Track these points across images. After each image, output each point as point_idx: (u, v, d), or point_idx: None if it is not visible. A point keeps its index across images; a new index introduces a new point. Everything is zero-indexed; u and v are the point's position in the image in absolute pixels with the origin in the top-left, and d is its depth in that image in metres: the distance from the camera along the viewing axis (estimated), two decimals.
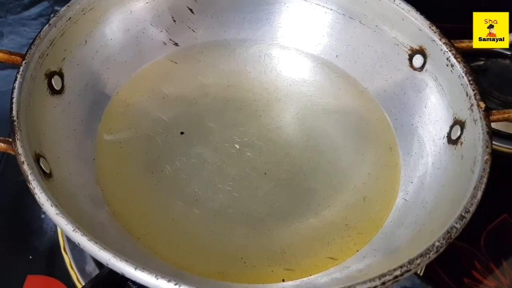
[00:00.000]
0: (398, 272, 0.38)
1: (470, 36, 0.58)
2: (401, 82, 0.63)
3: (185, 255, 0.50)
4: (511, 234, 0.67)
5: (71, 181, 0.51)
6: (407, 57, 0.62)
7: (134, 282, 0.54)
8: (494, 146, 0.48)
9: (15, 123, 0.45)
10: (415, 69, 0.61)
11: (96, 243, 0.38)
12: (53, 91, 0.54)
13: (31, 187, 0.42)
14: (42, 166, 0.46)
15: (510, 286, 0.63)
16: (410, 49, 0.61)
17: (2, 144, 0.45)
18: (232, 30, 0.70)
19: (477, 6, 0.60)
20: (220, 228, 0.53)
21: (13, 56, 0.51)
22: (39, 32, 0.53)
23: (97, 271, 0.57)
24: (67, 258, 0.59)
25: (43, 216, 0.65)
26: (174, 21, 0.68)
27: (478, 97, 0.52)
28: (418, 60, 0.60)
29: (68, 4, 0.57)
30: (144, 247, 0.50)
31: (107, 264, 0.38)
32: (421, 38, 0.59)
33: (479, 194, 0.44)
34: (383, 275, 0.38)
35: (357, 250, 0.51)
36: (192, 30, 0.69)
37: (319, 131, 0.62)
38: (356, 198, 0.56)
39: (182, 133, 0.60)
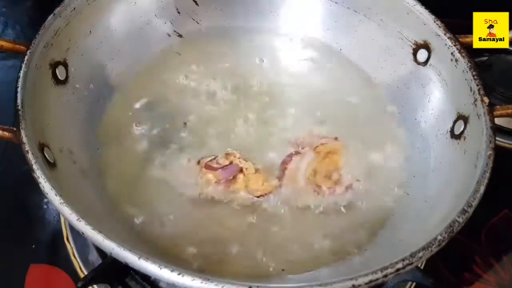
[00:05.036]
0: (400, 265, 0.38)
1: None
2: (405, 76, 0.63)
3: (188, 245, 0.50)
4: None
5: (75, 171, 0.51)
6: (412, 51, 0.62)
7: (136, 272, 0.55)
8: (496, 142, 0.48)
9: (19, 112, 0.45)
10: (419, 63, 0.61)
11: (100, 232, 0.38)
12: (58, 81, 0.54)
13: (36, 176, 0.42)
14: (46, 156, 0.46)
15: (510, 281, 0.63)
16: (414, 44, 0.61)
17: (7, 133, 0.46)
18: (237, 22, 0.70)
19: (480, 2, 0.60)
20: (223, 219, 0.53)
21: (17, 46, 0.52)
22: (44, 22, 0.53)
23: (100, 261, 0.57)
24: (70, 248, 0.59)
25: (46, 206, 0.66)
26: (179, 12, 0.68)
27: (482, 92, 0.52)
28: (422, 54, 0.60)
29: None
30: (148, 237, 0.50)
31: (111, 254, 0.38)
32: (425, 32, 0.59)
33: (482, 189, 0.44)
34: (385, 267, 0.38)
35: (360, 243, 0.52)
36: (196, 21, 0.69)
37: (321, 123, 0.61)
38: (359, 191, 0.56)
39: (185, 123, 0.60)
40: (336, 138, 0.59)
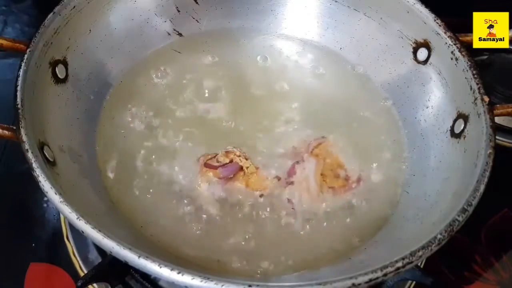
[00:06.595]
0: (400, 264, 0.38)
1: None
2: (405, 75, 0.63)
3: (188, 244, 0.50)
4: None
5: (74, 169, 0.51)
6: (412, 50, 0.62)
7: (136, 271, 0.55)
8: (496, 141, 0.48)
9: (19, 111, 0.45)
10: (419, 62, 0.61)
11: (100, 231, 0.38)
12: (57, 80, 0.54)
13: (35, 175, 0.42)
14: (46, 154, 0.46)
15: (510, 279, 0.63)
16: (414, 42, 0.61)
17: (6, 132, 0.46)
18: (237, 21, 0.70)
19: (480, 2, 0.60)
20: (223, 218, 0.53)
21: (17, 44, 0.52)
22: (44, 20, 0.53)
23: (99, 260, 0.57)
24: (70, 246, 0.59)
25: (45, 204, 0.66)
26: (178, 11, 0.68)
27: (482, 91, 0.52)
28: (422, 53, 0.60)
29: None
30: (147, 235, 0.50)
31: (111, 252, 0.38)
32: (425, 31, 0.59)
33: (482, 188, 0.44)
34: (385, 266, 0.38)
35: (359, 242, 0.52)
36: (196, 20, 0.69)
37: (322, 122, 0.61)
38: (357, 192, 0.56)
39: (187, 126, 0.60)
40: (323, 137, 0.59)
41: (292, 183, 0.55)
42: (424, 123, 0.59)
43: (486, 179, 0.45)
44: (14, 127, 0.45)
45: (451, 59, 0.56)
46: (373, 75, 0.66)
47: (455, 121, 0.55)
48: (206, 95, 0.63)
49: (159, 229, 0.51)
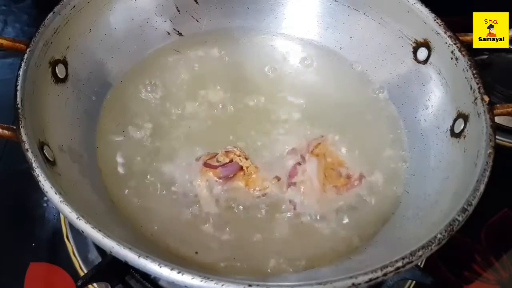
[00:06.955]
0: (399, 264, 0.38)
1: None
2: (405, 75, 0.63)
3: (188, 244, 0.50)
4: None
5: (74, 169, 0.51)
6: (412, 49, 0.62)
7: (136, 270, 0.55)
8: (496, 141, 0.48)
9: (19, 110, 0.45)
10: (419, 62, 0.61)
11: (99, 230, 0.38)
12: (57, 80, 0.54)
13: (35, 174, 0.42)
14: (46, 154, 0.46)
15: (510, 279, 0.63)
16: (414, 42, 0.61)
17: (6, 132, 0.46)
18: (236, 21, 0.70)
19: (480, 2, 0.60)
20: (222, 218, 0.53)
21: (17, 44, 0.52)
22: (44, 20, 0.53)
23: (99, 259, 0.57)
24: (70, 246, 0.59)
25: (45, 204, 0.66)
26: (178, 10, 0.68)
27: (482, 90, 0.51)
28: (422, 53, 0.60)
29: None
30: (147, 235, 0.50)
31: (111, 252, 0.38)
32: (426, 31, 0.59)
33: (482, 188, 0.44)
34: (385, 266, 0.38)
35: (359, 242, 0.52)
36: (196, 20, 0.69)
37: (322, 122, 0.61)
38: (359, 189, 0.56)
39: (187, 126, 0.60)
40: (322, 136, 0.59)
41: (294, 183, 0.55)
42: (424, 122, 0.59)
43: (486, 179, 0.45)
44: (14, 127, 0.45)
45: (451, 58, 0.56)
46: (373, 74, 0.66)
47: (455, 120, 0.55)
48: (206, 94, 0.63)
49: (159, 229, 0.51)
